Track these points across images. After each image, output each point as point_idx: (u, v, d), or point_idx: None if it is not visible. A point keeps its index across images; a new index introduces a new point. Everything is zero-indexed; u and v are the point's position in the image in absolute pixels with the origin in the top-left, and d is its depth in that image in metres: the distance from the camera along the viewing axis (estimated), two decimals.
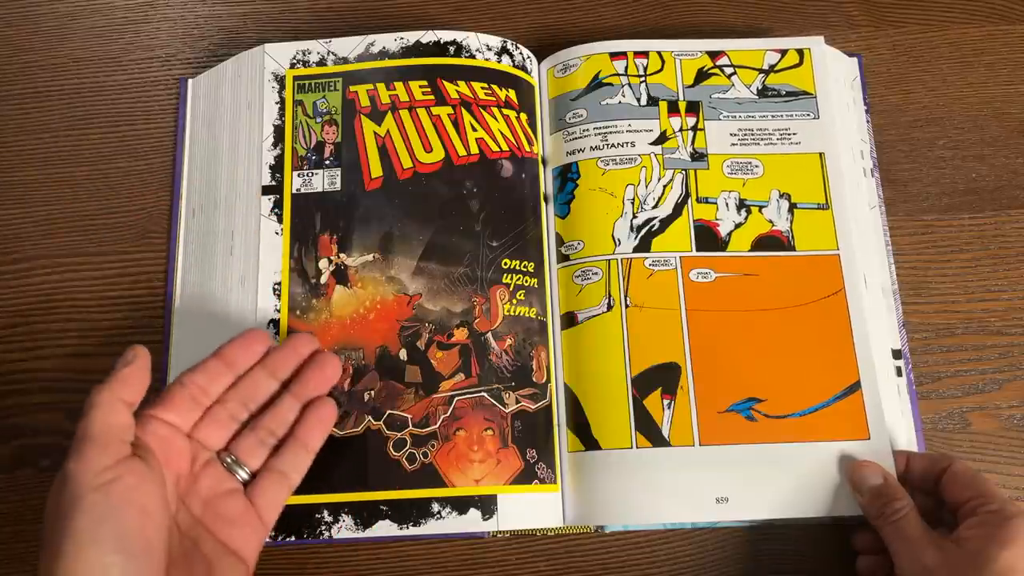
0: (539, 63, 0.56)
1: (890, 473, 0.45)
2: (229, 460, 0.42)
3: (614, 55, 0.54)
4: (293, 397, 0.44)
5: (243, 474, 0.42)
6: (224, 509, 0.40)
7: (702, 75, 0.54)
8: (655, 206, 0.51)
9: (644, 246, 0.50)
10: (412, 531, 0.46)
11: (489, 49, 0.54)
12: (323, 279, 0.50)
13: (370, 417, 0.47)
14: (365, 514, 0.46)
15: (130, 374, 0.39)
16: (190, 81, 0.57)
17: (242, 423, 0.43)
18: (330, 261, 0.50)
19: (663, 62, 0.54)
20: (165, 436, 0.40)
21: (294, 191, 0.51)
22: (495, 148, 0.52)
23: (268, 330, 0.47)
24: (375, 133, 0.52)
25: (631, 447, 0.47)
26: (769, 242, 0.51)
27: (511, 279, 0.50)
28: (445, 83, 0.53)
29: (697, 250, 0.50)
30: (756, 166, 0.52)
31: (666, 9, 0.60)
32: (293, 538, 0.45)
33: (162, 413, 0.40)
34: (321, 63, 0.54)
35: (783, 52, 0.55)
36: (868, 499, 0.44)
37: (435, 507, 0.46)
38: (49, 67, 0.58)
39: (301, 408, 0.44)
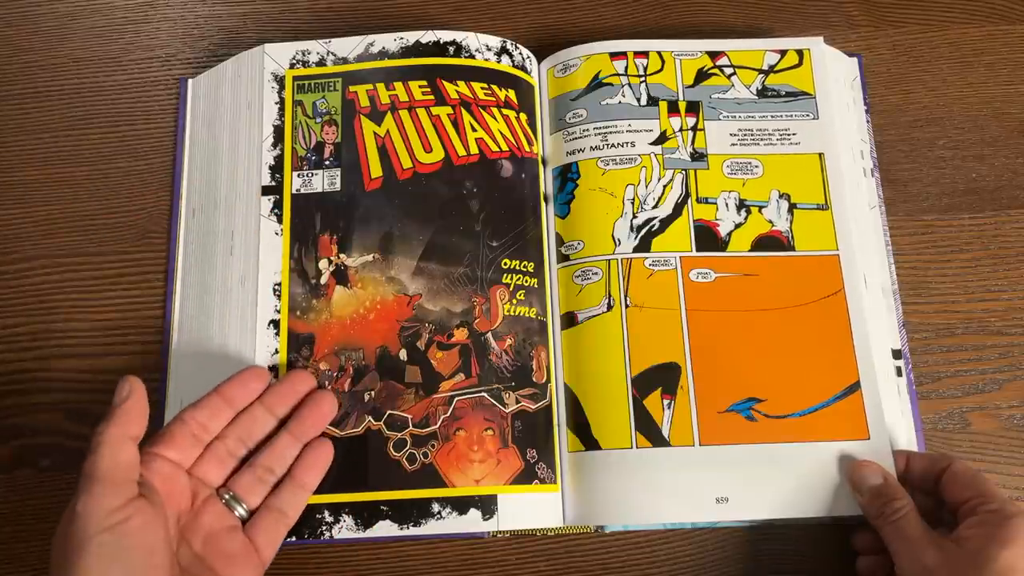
0: (539, 63, 0.56)
1: (890, 473, 0.45)
2: (228, 497, 0.42)
3: (614, 55, 0.54)
4: (291, 436, 0.45)
5: (242, 511, 0.43)
6: (224, 546, 0.41)
7: (702, 75, 0.54)
8: (655, 206, 0.51)
9: (644, 246, 0.50)
10: (412, 531, 0.46)
11: (489, 49, 0.54)
12: (323, 279, 0.50)
13: (370, 417, 0.47)
14: (365, 514, 0.46)
15: (131, 407, 0.39)
16: (190, 81, 0.57)
17: (240, 460, 0.44)
18: (330, 261, 0.50)
19: (663, 62, 0.54)
20: (168, 474, 0.40)
21: (294, 191, 0.51)
22: (495, 148, 0.52)
23: (265, 367, 0.47)
24: (375, 133, 0.52)
25: (631, 447, 0.47)
26: (769, 242, 0.51)
27: (511, 279, 0.50)
28: (445, 83, 0.53)
29: (697, 250, 0.50)
30: (756, 166, 0.52)
31: (666, 9, 0.60)
32: (294, 538, 0.45)
33: (164, 451, 0.41)
34: (321, 63, 0.54)
35: (783, 52, 0.55)
36: (868, 499, 0.44)
37: (435, 507, 0.46)
38: (49, 67, 0.58)
39: (300, 446, 0.45)
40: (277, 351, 0.48)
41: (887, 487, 0.44)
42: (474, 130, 0.52)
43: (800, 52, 0.55)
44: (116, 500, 0.36)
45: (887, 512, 0.43)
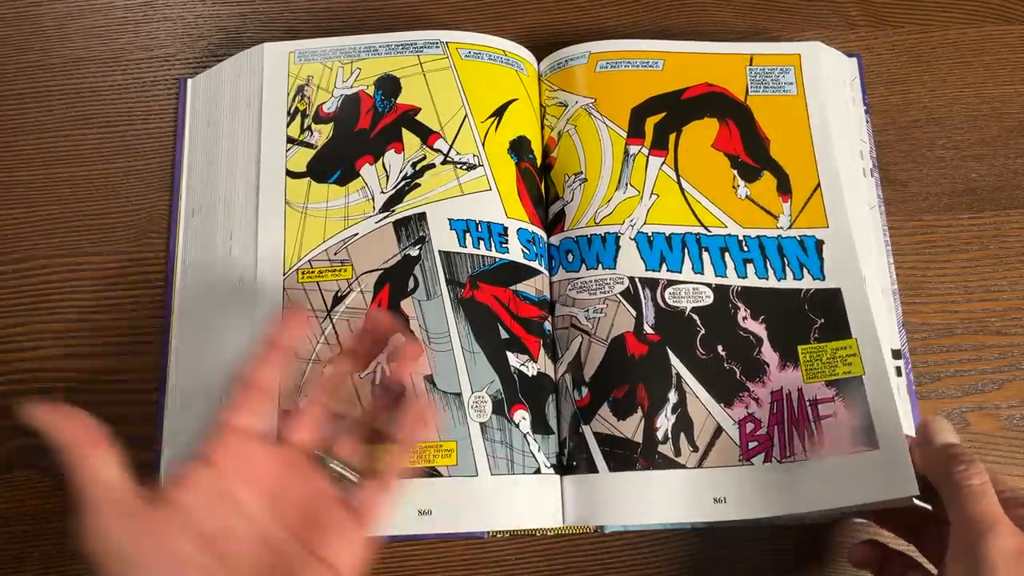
0: (538, 63, 0.56)
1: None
2: (329, 462, 0.38)
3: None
4: (382, 391, 0.41)
5: (350, 476, 0.38)
6: (321, 517, 0.36)
7: None
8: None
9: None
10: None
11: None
12: None
13: None
14: None
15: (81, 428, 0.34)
16: (189, 81, 0.57)
17: (335, 422, 0.40)
18: None
19: None
20: (236, 447, 0.36)
21: None
22: None
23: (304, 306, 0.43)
24: None
25: None
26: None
27: None
28: None
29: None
30: None
31: (666, 9, 0.60)
32: None
33: (232, 417, 0.36)
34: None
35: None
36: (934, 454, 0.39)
37: None
38: (49, 67, 0.58)
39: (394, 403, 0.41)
40: None
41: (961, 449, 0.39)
42: None
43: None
44: (117, 522, 0.33)
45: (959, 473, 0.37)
